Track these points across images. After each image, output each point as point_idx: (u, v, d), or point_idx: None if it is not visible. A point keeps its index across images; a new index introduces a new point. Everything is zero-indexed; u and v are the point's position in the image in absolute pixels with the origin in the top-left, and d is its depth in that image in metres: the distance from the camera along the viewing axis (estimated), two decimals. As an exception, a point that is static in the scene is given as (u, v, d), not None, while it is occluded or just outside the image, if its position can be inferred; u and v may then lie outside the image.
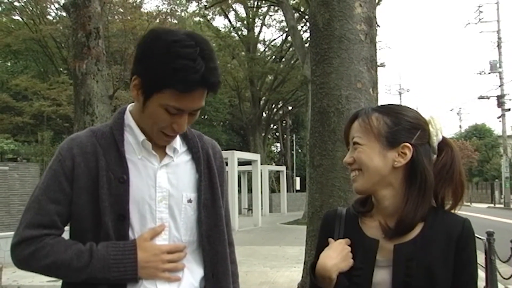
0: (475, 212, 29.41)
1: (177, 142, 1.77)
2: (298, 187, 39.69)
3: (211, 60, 1.58)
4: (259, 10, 37.35)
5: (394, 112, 1.65)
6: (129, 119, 1.74)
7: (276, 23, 39.82)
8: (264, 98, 39.81)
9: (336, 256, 1.60)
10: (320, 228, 1.81)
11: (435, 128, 1.65)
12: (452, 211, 1.65)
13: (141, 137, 1.70)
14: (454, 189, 1.65)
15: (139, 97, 1.64)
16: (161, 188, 1.70)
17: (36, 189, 1.69)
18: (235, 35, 39.53)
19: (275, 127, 49.51)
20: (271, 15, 38.41)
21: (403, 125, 1.61)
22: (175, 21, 31.23)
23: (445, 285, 1.54)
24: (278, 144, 53.99)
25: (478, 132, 62.82)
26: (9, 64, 37.20)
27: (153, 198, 1.68)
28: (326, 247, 1.66)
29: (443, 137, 1.67)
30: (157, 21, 28.11)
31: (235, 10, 38.33)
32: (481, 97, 45.27)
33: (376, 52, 5.16)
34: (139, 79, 1.62)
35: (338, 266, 1.59)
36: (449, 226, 1.59)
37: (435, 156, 1.66)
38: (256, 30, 39.35)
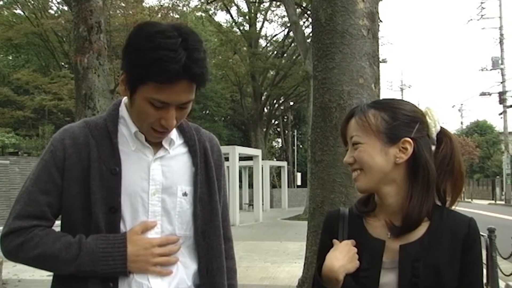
0: (476, 208, 29.42)
1: (174, 133, 1.74)
2: (299, 183, 39.74)
3: (195, 50, 1.52)
4: (261, 5, 37.32)
5: (390, 107, 1.62)
6: (123, 111, 1.71)
7: (278, 18, 39.88)
8: (265, 93, 39.77)
9: (343, 257, 1.57)
10: (322, 229, 1.77)
11: (433, 119, 1.62)
12: (453, 206, 1.63)
13: (134, 129, 1.67)
14: (454, 181, 1.62)
15: (126, 92, 1.62)
16: (155, 181, 1.66)
17: (27, 180, 1.67)
18: (237, 30, 39.50)
19: (276, 122, 49.52)
20: (273, 10, 38.45)
21: (402, 119, 1.58)
22: (177, 16, 31.23)
23: (452, 284, 1.52)
24: (280, 140, 54.04)
25: (480, 129, 62.74)
26: (10, 58, 37.22)
27: (146, 191, 1.65)
28: (331, 248, 1.63)
29: (441, 127, 1.64)
30: (159, 15, 28.10)
31: (237, 5, 38.32)
32: (483, 94, 45.19)
33: (378, 48, 5.15)
34: (125, 73, 1.59)
35: (345, 267, 1.56)
36: (455, 226, 1.57)
37: (433, 147, 1.63)
38: (258, 25, 39.37)
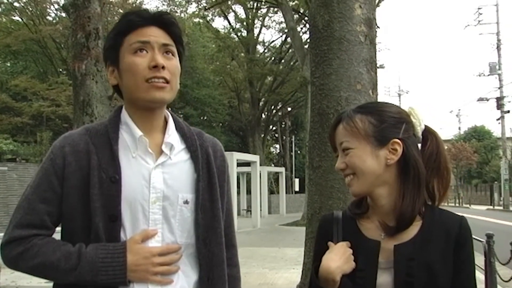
0: (475, 214, 29.42)
1: (175, 138, 1.72)
2: (297, 189, 39.69)
3: (162, 11, 1.73)
4: (259, 12, 37.37)
5: (376, 110, 1.65)
6: (125, 117, 1.70)
7: (275, 25, 39.97)
8: (263, 99, 39.81)
9: (339, 258, 1.59)
10: (317, 233, 1.80)
11: (417, 118, 1.67)
12: (442, 202, 1.67)
13: (138, 133, 1.66)
14: (441, 177, 1.66)
15: (115, 76, 1.71)
16: (155, 188, 1.64)
17: (27, 188, 1.65)
18: (235, 36, 39.55)
19: (274, 128, 49.53)
20: (270, 17, 38.50)
21: (388, 121, 1.62)
22: (175, 22, 31.23)
23: (446, 283, 1.55)
24: (277, 146, 54.00)
25: (478, 134, 62.80)
26: (8, 64, 37.20)
27: (147, 199, 1.62)
28: (326, 251, 1.64)
29: (425, 125, 1.69)
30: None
31: (234, 11, 38.38)
32: (481, 99, 45.31)
33: (376, 54, 5.16)
34: (108, 60, 1.72)
35: (341, 268, 1.58)
36: (447, 225, 1.60)
37: (419, 145, 1.67)
38: (256, 31, 39.41)
